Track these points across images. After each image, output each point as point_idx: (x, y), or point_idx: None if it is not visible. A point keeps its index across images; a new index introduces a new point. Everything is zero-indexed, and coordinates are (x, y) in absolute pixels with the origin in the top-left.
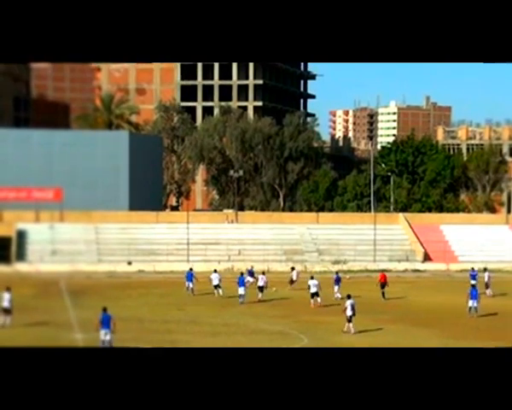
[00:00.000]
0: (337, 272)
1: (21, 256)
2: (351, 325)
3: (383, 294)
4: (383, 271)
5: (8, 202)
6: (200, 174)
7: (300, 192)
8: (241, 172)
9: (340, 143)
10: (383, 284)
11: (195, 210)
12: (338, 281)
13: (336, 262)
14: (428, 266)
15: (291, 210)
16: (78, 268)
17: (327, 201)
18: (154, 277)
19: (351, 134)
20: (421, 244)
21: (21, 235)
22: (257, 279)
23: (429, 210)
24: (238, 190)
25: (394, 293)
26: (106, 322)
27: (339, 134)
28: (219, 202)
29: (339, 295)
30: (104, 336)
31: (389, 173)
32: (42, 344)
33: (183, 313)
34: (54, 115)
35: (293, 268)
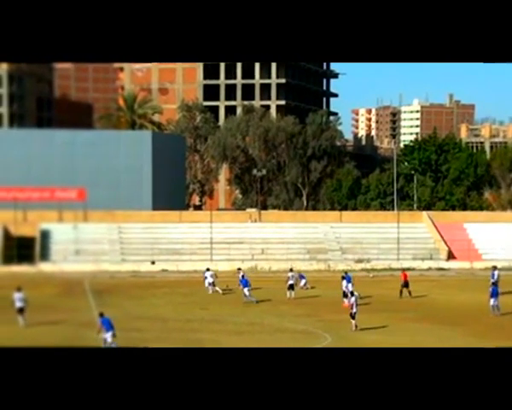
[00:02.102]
0: (346, 273)
1: (45, 256)
2: (353, 321)
3: (401, 292)
4: (404, 270)
5: (31, 202)
6: (224, 173)
7: (323, 191)
8: (264, 171)
9: (363, 142)
10: (406, 283)
11: (219, 209)
12: (349, 280)
13: (359, 261)
14: (452, 264)
15: (314, 209)
16: (101, 268)
17: (350, 199)
18: (177, 276)
19: (373, 133)
20: (445, 243)
21: (45, 235)
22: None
23: (453, 208)
24: (261, 189)
25: (418, 291)
26: (108, 325)
27: (361, 133)
28: (242, 201)
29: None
30: (110, 338)
31: (412, 172)
32: (65, 343)
33: (207, 313)
34: (77, 115)
35: (291, 269)
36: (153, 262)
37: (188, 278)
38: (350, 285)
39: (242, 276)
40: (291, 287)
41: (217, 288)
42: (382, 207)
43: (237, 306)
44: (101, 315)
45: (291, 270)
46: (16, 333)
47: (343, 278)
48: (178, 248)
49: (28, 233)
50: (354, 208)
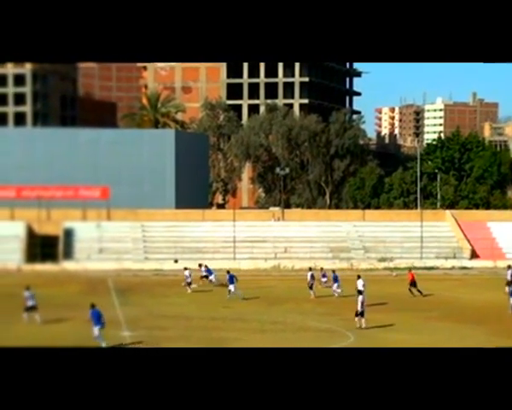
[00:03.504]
0: (334, 271)
1: (69, 254)
2: (357, 319)
3: (410, 291)
4: (410, 269)
5: (55, 201)
6: (247, 172)
7: (346, 189)
8: (287, 170)
9: (386, 141)
10: (413, 282)
11: (242, 208)
12: (336, 279)
13: (382, 259)
14: (475, 263)
15: (337, 207)
16: (124, 266)
17: (373, 198)
18: (200, 275)
19: (397, 131)
20: (469, 241)
21: (69, 233)
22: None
23: (476, 207)
24: (284, 188)
25: (442, 290)
26: (97, 317)
27: (385, 131)
28: (265, 199)
29: (338, 291)
30: (97, 332)
31: (436, 170)
32: (87, 341)
33: (231, 311)
34: (100, 114)
35: (310, 269)
36: (176, 261)
37: None
38: (361, 284)
39: (228, 272)
40: (310, 286)
41: (194, 285)
42: (405, 206)
43: (261, 304)
44: (93, 306)
45: (310, 269)
46: (39, 331)
47: (359, 277)
48: (201, 246)
49: (52, 232)
50: (377, 207)
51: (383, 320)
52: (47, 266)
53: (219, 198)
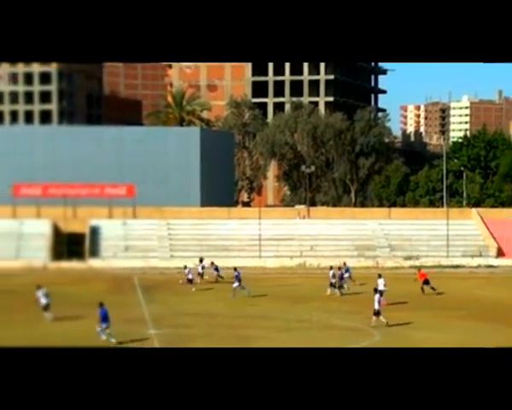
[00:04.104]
0: (340, 268)
1: (95, 252)
2: (374, 318)
3: (422, 290)
4: (419, 268)
5: (81, 199)
6: (272, 170)
7: (372, 187)
8: (312, 168)
9: (412, 138)
10: (426, 281)
11: (267, 206)
12: (342, 277)
13: (408, 258)
14: (502, 261)
15: (362, 205)
16: (150, 264)
17: (398, 196)
18: (225, 272)
19: (422, 129)
20: (495, 239)
21: (95, 231)
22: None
23: (502, 205)
24: (310, 186)
25: (467, 289)
26: (104, 317)
27: (410, 129)
28: (291, 197)
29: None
30: (100, 328)
31: (462, 168)
32: (113, 338)
33: (256, 309)
34: (126, 112)
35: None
36: (201, 259)
37: None
38: (382, 283)
39: (235, 269)
40: (332, 285)
41: (195, 282)
42: (431, 204)
43: (286, 302)
44: (101, 305)
45: (331, 268)
46: (65, 328)
47: (380, 276)
48: (227, 244)
49: (78, 229)
50: (403, 205)
51: (409, 319)
52: (73, 264)
53: (245, 196)
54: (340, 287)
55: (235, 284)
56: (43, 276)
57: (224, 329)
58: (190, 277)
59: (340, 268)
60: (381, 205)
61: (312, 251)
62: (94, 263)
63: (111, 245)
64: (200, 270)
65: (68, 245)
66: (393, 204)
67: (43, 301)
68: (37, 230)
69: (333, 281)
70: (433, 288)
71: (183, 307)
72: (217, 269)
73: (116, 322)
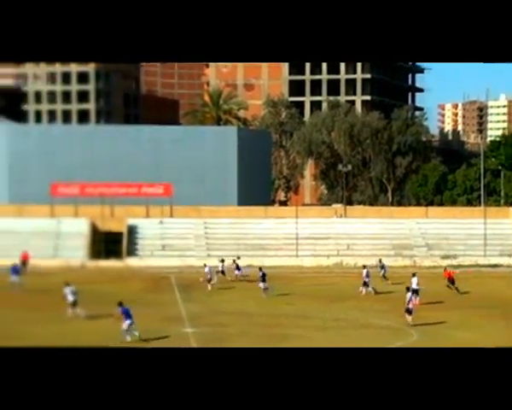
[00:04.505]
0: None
1: (132, 251)
2: (410, 317)
3: (449, 288)
4: (446, 268)
5: (119, 198)
6: (309, 169)
7: (409, 186)
8: (349, 167)
9: (450, 137)
10: (451, 280)
11: (304, 205)
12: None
13: (446, 257)
14: None
15: (399, 204)
16: (187, 263)
17: (436, 195)
18: (254, 271)
19: (460, 128)
20: None
21: (132, 230)
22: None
23: None
24: (346, 185)
25: (504, 288)
26: (127, 314)
27: (448, 128)
28: (328, 196)
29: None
30: (127, 326)
31: (499, 167)
32: (150, 337)
33: (293, 308)
34: (163, 111)
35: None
36: (238, 257)
37: (273, 273)
38: (415, 282)
39: (260, 269)
40: (365, 284)
41: (213, 282)
42: (469, 203)
43: (323, 301)
44: (121, 304)
45: (364, 267)
46: (99, 326)
47: (414, 275)
48: (264, 243)
49: (115, 228)
50: (440, 204)
51: (445, 318)
52: (110, 263)
53: (282, 195)
54: (365, 284)
55: (261, 284)
56: (81, 275)
57: (260, 328)
58: (209, 276)
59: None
60: (418, 204)
61: (349, 250)
62: (131, 262)
63: (148, 244)
64: (220, 269)
65: (106, 244)
66: (431, 203)
67: (71, 298)
68: (75, 229)
69: (366, 280)
70: (457, 288)
71: (219, 306)
72: (238, 268)
73: (153, 321)
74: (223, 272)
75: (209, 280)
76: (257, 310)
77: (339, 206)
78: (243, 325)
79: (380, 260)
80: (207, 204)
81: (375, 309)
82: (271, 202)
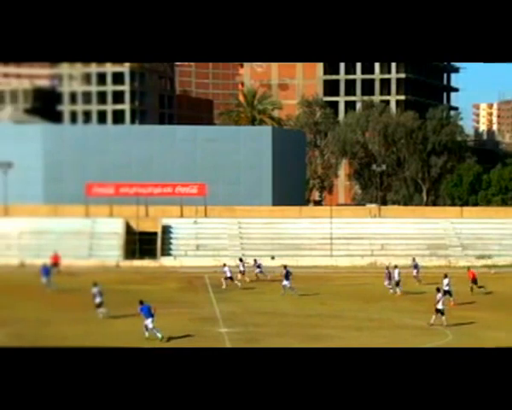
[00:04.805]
0: (387, 267)
1: (166, 251)
2: (434, 316)
3: (471, 289)
4: (469, 268)
5: (153, 198)
6: (343, 169)
7: (444, 186)
8: (383, 167)
9: (485, 137)
10: (474, 280)
11: (338, 205)
12: (390, 277)
13: (481, 257)
14: None
15: (434, 204)
16: (221, 263)
17: (471, 195)
18: (297, 271)
19: (495, 127)
20: None
21: (166, 230)
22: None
23: None
24: (381, 185)
25: None
26: (148, 312)
27: (482, 128)
28: (362, 196)
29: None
30: (151, 324)
31: None
32: (187, 337)
33: (327, 308)
34: (197, 111)
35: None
36: (272, 257)
37: (307, 273)
38: (446, 283)
39: (284, 267)
40: (397, 284)
41: (236, 282)
42: (504, 203)
43: (357, 301)
44: (141, 303)
45: (395, 267)
46: (134, 327)
47: (445, 276)
48: (298, 243)
49: (150, 228)
50: (475, 204)
51: (482, 318)
52: (145, 263)
53: (316, 195)
54: (398, 284)
55: (285, 282)
56: (116, 275)
57: (294, 328)
58: (229, 275)
59: (387, 267)
60: (453, 204)
61: (383, 250)
62: (165, 262)
63: (182, 244)
64: (241, 268)
65: (140, 244)
66: (465, 203)
67: (98, 299)
68: (109, 229)
69: (397, 279)
70: (481, 286)
71: (254, 306)
72: (259, 267)
73: (188, 320)
74: (243, 272)
75: (230, 279)
76: (291, 310)
77: (373, 206)
78: (277, 325)
79: (413, 259)
80: (242, 204)
81: (409, 309)
82: (306, 202)
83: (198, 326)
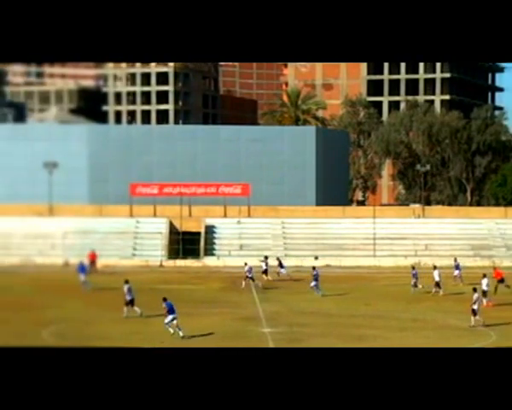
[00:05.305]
0: (413, 267)
1: (210, 251)
2: (477, 317)
3: (496, 288)
4: (495, 267)
5: (197, 198)
6: (387, 169)
7: (488, 186)
8: (427, 167)
9: None
10: (502, 280)
11: (382, 205)
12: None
13: None
14: None
15: (478, 204)
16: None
17: None
18: (340, 271)
19: None
20: None
21: (210, 230)
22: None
23: None
24: (425, 185)
25: None
26: (171, 309)
27: None
28: (406, 196)
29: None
30: (170, 321)
31: None
32: (227, 337)
33: (371, 308)
34: (241, 111)
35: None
36: (316, 257)
37: (351, 273)
38: (485, 283)
39: (313, 268)
40: (437, 284)
41: (256, 282)
42: None
43: (400, 302)
44: (165, 300)
45: (435, 267)
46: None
47: (484, 275)
48: (341, 243)
49: (193, 228)
50: None
51: None
52: (188, 263)
53: (359, 195)
54: (415, 285)
55: (313, 283)
56: (160, 274)
57: (339, 328)
58: (250, 274)
59: (413, 267)
60: (497, 204)
61: (427, 250)
62: (209, 262)
63: (226, 244)
64: (264, 267)
65: (184, 243)
66: (510, 203)
67: (128, 296)
68: (153, 229)
69: (437, 280)
70: (507, 286)
71: (297, 306)
72: (281, 266)
73: (231, 320)
74: (265, 271)
75: (250, 278)
76: (335, 310)
77: (417, 206)
78: (321, 326)
79: (455, 260)
80: (285, 204)
81: (453, 310)
82: (349, 202)
83: (241, 326)
